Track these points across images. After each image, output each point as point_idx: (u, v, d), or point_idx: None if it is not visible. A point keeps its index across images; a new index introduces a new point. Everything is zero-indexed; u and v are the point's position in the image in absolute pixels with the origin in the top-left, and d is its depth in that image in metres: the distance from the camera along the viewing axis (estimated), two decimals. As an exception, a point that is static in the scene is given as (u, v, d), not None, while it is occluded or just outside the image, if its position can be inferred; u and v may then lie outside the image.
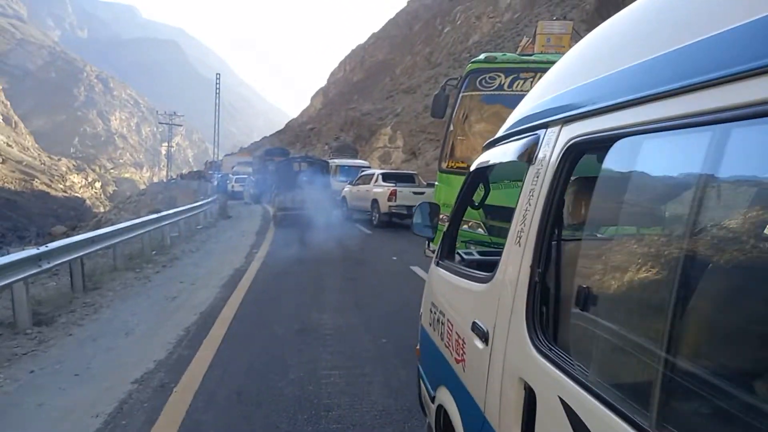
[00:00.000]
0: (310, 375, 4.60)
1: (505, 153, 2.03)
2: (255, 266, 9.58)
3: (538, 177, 1.62)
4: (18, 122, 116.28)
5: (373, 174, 17.30)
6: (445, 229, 3.02)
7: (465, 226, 6.64)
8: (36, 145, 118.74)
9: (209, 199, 19.69)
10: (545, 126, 1.66)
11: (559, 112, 1.58)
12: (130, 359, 4.99)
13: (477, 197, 3.01)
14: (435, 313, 2.67)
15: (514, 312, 1.61)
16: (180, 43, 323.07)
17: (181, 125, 74.73)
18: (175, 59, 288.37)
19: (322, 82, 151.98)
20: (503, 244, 1.78)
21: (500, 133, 2.25)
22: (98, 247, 8.36)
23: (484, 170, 2.48)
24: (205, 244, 13.05)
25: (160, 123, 73.98)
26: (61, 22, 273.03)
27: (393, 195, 15.58)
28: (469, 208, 2.96)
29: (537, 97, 1.89)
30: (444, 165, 7.11)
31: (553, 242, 1.54)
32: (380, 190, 16.23)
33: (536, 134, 1.71)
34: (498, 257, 1.84)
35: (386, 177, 16.83)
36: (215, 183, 38.40)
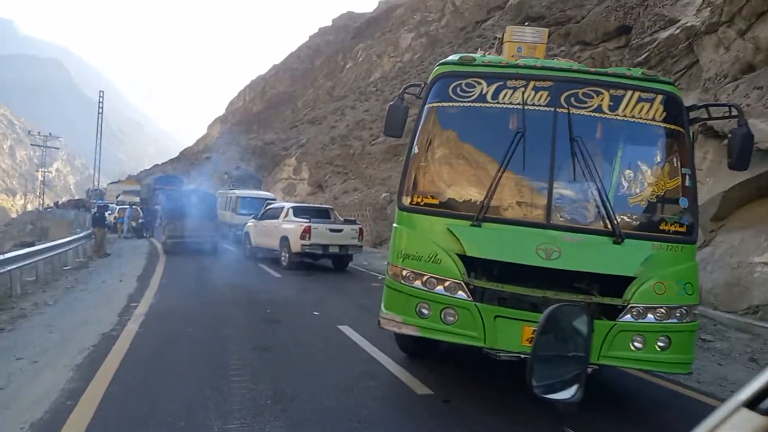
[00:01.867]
0: None
1: None
2: (132, 329, 7.03)
3: None
4: None
5: (283, 208, 15.07)
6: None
7: (439, 287, 4.73)
8: None
9: (83, 233, 16.44)
10: None
11: None
12: None
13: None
14: None
15: None
16: (63, 62, 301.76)
17: (57, 148, 67.83)
18: (58, 79, 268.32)
19: (221, 111, 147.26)
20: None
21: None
22: None
23: None
24: (69, 293, 10.16)
25: (32, 145, 66.69)
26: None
27: (307, 232, 13.43)
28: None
29: None
30: (406, 200, 5.20)
31: None
32: (291, 226, 14.03)
33: None
34: None
35: (298, 211, 14.68)
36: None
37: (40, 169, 59.78)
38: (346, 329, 7.49)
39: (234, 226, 22.31)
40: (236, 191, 23.88)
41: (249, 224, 16.60)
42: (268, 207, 16.25)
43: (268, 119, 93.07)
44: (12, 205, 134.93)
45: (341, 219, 15.40)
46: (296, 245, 13.60)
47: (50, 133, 57.89)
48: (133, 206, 26.77)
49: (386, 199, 26.42)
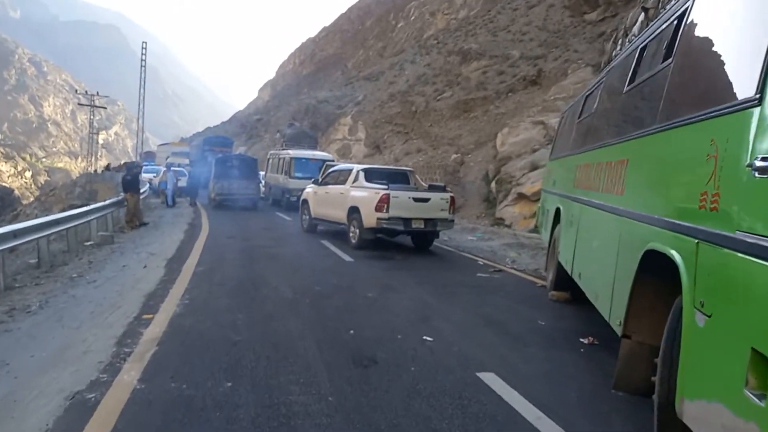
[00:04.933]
0: None
1: None
2: (122, 390, 3.84)
3: None
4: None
5: (350, 170, 11.71)
6: None
7: None
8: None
9: (109, 200, 13.54)
10: None
11: None
12: None
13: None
14: None
15: None
16: (120, 28, 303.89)
17: (104, 107, 66.32)
18: (116, 44, 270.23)
19: (271, 75, 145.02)
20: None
21: None
22: None
23: None
24: (67, 289, 7.11)
25: (79, 105, 65.47)
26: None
27: (384, 203, 10.06)
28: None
29: None
30: None
31: None
32: (363, 194, 10.68)
33: None
34: None
35: (371, 175, 11.28)
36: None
37: (93, 132, 58.18)
38: (492, 381, 4.14)
39: (288, 191, 19.28)
40: (290, 151, 20.73)
41: (307, 190, 13.36)
42: (332, 169, 12.93)
43: (318, 81, 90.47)
44: (74, 167, 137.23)
45: (424, 185, 11.93)
46: (370, 219, 10.28)
47: (97, 92, 55.94)
48: (173, 168, 23.78)
49: (457, 161, 22.77)
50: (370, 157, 30.38)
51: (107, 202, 12.94)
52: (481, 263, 10.05)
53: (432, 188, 11.26)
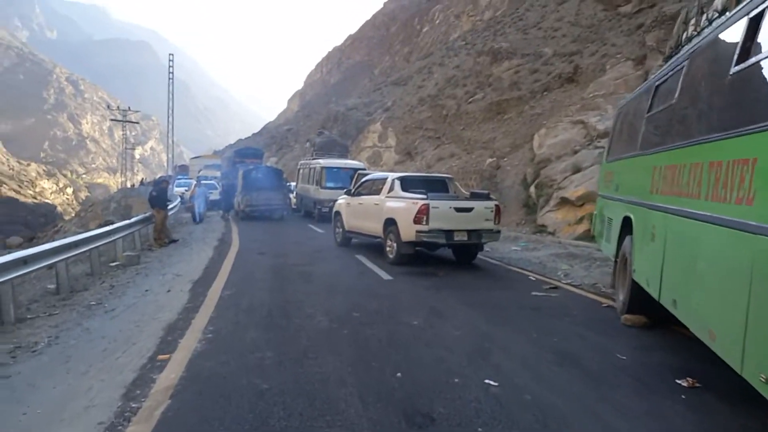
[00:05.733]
0: None
1: None
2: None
3: None
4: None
5: (385, 179, 10.86)
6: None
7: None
8: (4, 150, 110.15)
9: (136, 217, 12.99)
10: None
11: None
12: None
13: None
14: None
15: None
16: (152, 45, 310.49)
17: (137, 122, 67.20)
18: (148, 61, 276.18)
19: (299, 85, 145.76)
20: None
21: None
22: None
23: None
24: (81, 321, 6.45)
25: (112, 120, 66.59)
26: (29, 22, 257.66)
27: (424, 214, 9.19)
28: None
29: None
30: None
31: None
32: (400, 205, 9.83)
33: None
34: None
35: (407, 184, 10.42)
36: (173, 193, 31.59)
37: (129, 148, 58.91)
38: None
39: (319, 203, 18.59)
40: (320, 161, 20.02)
41: (340, 201, 12.58)
42: (365, 179, 12.12)
43: (346, 89, 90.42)
44: (113, 183, 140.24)
45: (465, 193, 11.01)
46: (408, 231, 9.42)
47: (129, 107, 56.55)
48: (203, 182, 23.45)
49: (492, 165, 21.75)
50: (402, 164, 29.57)
51: (133, 219, 12.39)
52: (533, 279, 9.08)
53: (474, 196, 10.34)
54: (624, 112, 8.01)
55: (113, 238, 10.17)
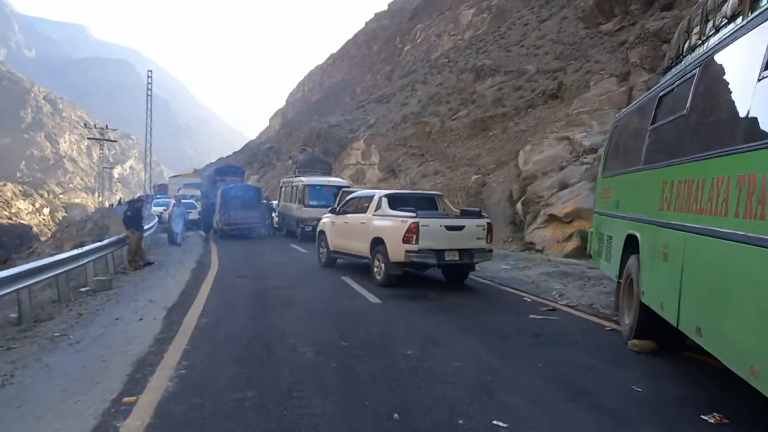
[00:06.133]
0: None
1: None
2: None
3: None
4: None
5: (371, 197, 10.41)
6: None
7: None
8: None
9: (108, 240, 12.32)
10: None
11: None
12: None
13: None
14: None
15: None
16: (133, 63, 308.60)
17: (114, 140, 66.22)
18: (128, 79, 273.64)
19: (281, 104, 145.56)
20: None
21: None
22: None
23: None
24: (41, 356, 5.79)
25: (88, 138, 65.72)
26: (7, 40, 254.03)
27: (413, 233, 8.74)
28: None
29: None
30: None
31: None
32: (387, 223, 9.38)
33: None
34: None
35: (395, 201, 9.98)
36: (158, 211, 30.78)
37: (106, 167, 57.89)
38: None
39: (303, 221, 18.08)
40: (303, 178, 19.55)
41: (324, 220, 12.09)
42: (351, 196, 11.65)
43: (328, 107, 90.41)
44: (91, 202, 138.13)
45: (456, 210, 10.59)
46: (397, 251, 8.95)
47: (107, 125, 55.62)
48: (182, 201, 22.88)
49: (478, 182, 21.46)
50: (385, 181, 29.20)
51: (105, 242, 11.71)
52: (529, 300, 8.66)
53: (465, 214, 9.93)
54: (622, 125, 7.69)
55: (82, 263, 9.50)
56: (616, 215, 6.90)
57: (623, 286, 6.38)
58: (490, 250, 9.54)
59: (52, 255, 11.78)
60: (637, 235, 5.82)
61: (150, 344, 5.84)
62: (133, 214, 12.53)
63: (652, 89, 6.50)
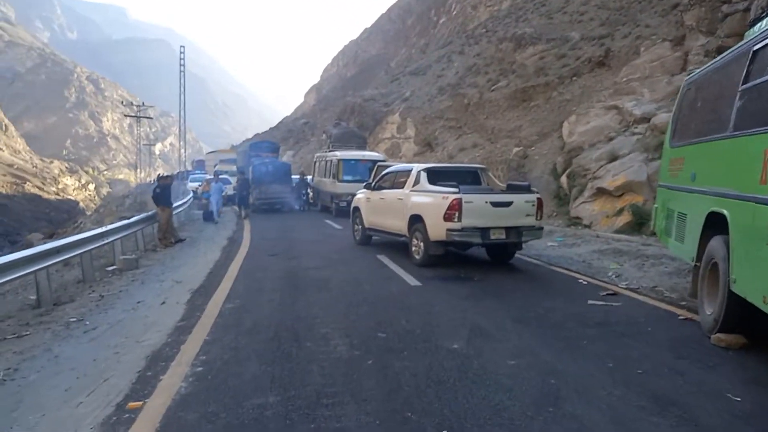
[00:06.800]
0: None
1: None
2: None
3: None
4: (8, 125, 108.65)
5: (410, 171, 9.62)
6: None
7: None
8: (27, 148, 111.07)
9: (137, 216, 11.92)
10: None
11: None
12: None
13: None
14: None
15: None
16: (170, 43, 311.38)
17: (150, 117, 66.84)
18: (166, 59, 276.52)
19: (316, 79, 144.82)
20: None
21: None
22: None
23: None
24: (54, 344, 5.34)
25: (125, 115, 66.63)
26: (50, 23, 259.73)
27: (455, 210, 7.94)
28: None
29: None
30: None
31: None
32: (428, 200, 8.60)
33: None
34: None
35: (434, 176, 9.18)
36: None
37: (147, 144, 58.60)
38: None
39: (337, 197, 17.45)
40: (337, 153, 18.85)
41: (359, 196, 11.38)
42: (387, 171, 10.88)
43: (363, 82, 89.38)
44: (133, 179, 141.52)
45: (501, 185, 9.71)
46: (438, 230, 8.18)
47: (143, 102, 56.00)
48: (214, 177, 22.58)
49: (519, 155, 20.37)
50: (421, 155, 28.27)
51: (132, 219, 11.29)
52: (584, 282, 7.79)
53: (512, 188, 9.04)
54: (697, 87, 6.66)
55: (105, 242, 9.06)
56: (693, 189, 5.96)
57: (703, 270, 5.48)
58: (540, 228, 8.67)
59: (92, 229, 11.35)
60: (725, 212, 4.90)
61: (169, 333, 5.28)
62: (162, 190, 12.07)
63: (741, 44, 5.49)
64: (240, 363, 4.39)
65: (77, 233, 16.72)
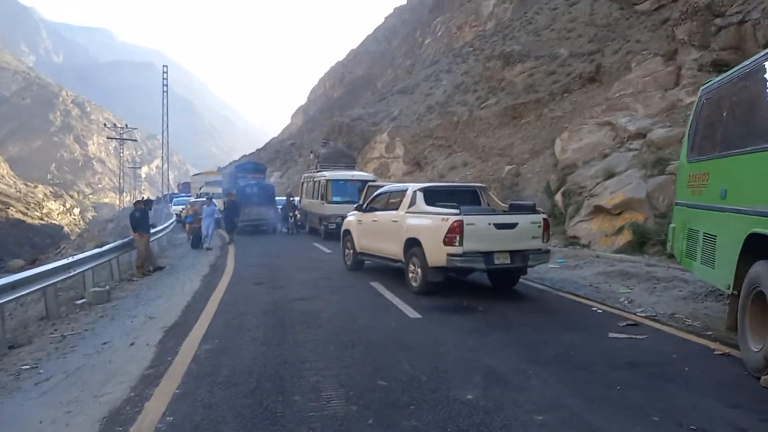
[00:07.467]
0: None
1: None
2: None
3: None
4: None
5: (404, 191, 8.94)
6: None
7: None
8: (11, 173, 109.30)
9: (112, 244, 11.08)
10: None
11: None
12: None
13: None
14: None
15: None
16: (158, 65, 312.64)
17: (135, 140, 65.98)
18: (154, 81, 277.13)
19: (303, 101, 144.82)
20: None
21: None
22: None
23: None
24: None
25: (108, 138, 65.77)
26: (36, 47, 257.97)
27: (457, 232, 7.25)
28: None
29: None
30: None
31: None
32: (426, 222, 7.91)
33: None
34: None
35: (431, 196, 8.50)
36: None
37: (132, 167, 57.62)
38: None
39: (326, 219, 16.74)
40: (325, 173, 18.18)
41: (349, 218, 10.66)
42: (379, 191, 10.20)
43: (349, 103, 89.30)
44: (119, 202, 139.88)
45: (503, 205, 9.06)
46: (437, 255, 7.47)
47: (126, 124, 55.22)
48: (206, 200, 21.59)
49: (512, 173, 19.84)
50: (411, 174, 27.71)
51: (105, 248, 10.46)
52: (599, 311, 7.10)
53: (515, 209, 8.38)
54: (718, 97, 6.07)
55: (74, 273, 8.23)
56: (724, 208, 5.33)
57: (743, 300, 4.83)
58: (548, 251, 8.01)
59: (73, 255, 10.47)
60: (772, 234, 4.26)
61: (133, 385, 4.49)
62: (141, 215, 11.26)
63: (765, 51, 4.92)
64: (214, 426, 3.62)
65: (57, 259, 15.69)
